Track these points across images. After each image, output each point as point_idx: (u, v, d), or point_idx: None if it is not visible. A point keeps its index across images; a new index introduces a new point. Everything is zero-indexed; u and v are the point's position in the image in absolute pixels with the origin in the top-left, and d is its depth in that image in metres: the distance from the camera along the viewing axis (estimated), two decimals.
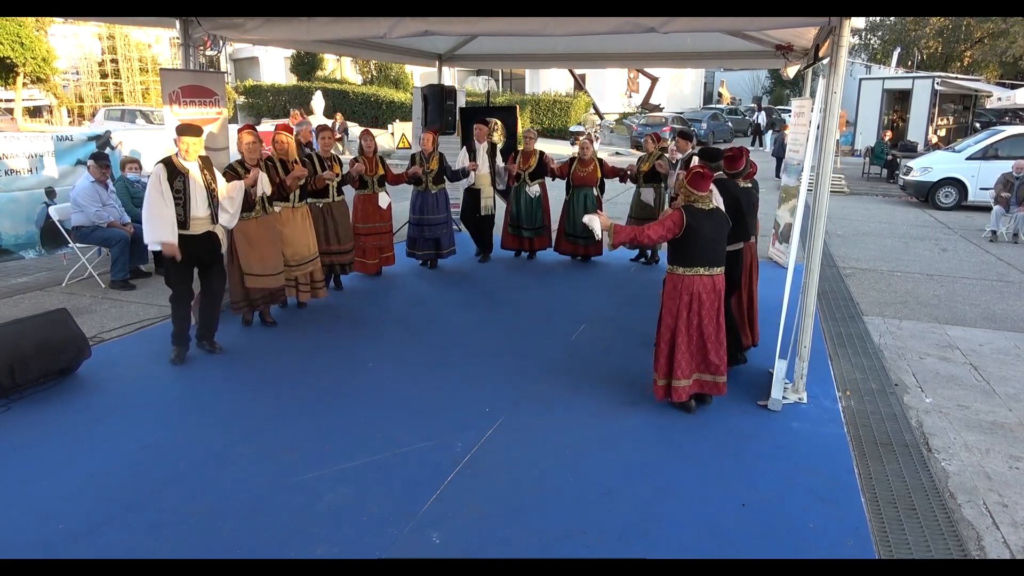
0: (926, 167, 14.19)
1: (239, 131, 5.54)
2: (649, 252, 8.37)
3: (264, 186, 5.50)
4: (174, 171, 4.76)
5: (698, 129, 27.58)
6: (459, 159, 7.93)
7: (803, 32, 5.81)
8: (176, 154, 4.81)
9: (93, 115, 23.94)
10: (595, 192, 8.01)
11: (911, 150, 17.95)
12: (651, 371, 4.47)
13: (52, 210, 7.27)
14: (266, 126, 14.22)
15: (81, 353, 4.78)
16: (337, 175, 6.55)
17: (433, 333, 5.87)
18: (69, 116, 27.69)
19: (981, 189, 13.15)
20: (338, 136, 12.90)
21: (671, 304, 4.28)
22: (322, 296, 6.47)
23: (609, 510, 3.38)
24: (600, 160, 8.04)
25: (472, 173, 7.74)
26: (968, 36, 32.75)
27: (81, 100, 28.42)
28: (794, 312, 4.72)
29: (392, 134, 20.59)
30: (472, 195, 8.12)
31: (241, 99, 31.13)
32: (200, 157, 4.91)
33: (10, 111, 24.31)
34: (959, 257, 9.43)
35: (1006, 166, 11.40)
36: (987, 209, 11.64)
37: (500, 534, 3.18)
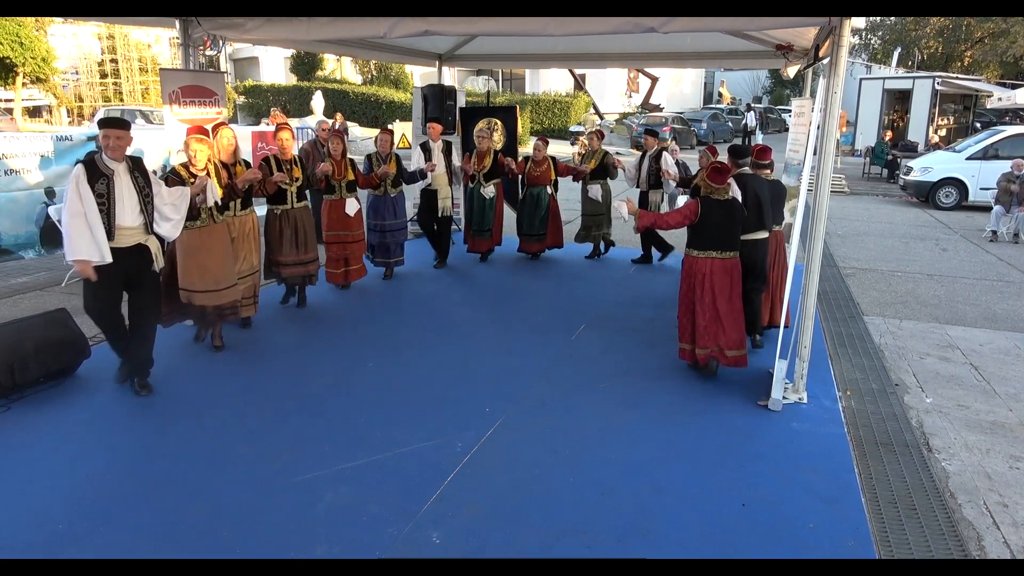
0: (926, 167, 14.19)
1: (188, 131, 5.09)
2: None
3: (213, 194, 4.89)
4: (96, 172, 4.07)
5: (698, 129, 27.62)
6: (414, 159, 7.51)
7: (803, 32, 5.81)
8: (98, 153, 4.18)
9: (93, 115, 23.95)
10: (549, 191, 8.06)
11: (911, 150, 17.95)
12: (681, 341, 4.98)
13: (52, 210, 7.26)
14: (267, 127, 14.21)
15: (81, 353, 4.77)
16: (297, 178, 5.93)
17: (433, 333, 5.87)
18: (69, 116, 27.69)
19: (981, 189, 13.15)
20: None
21: (687, 281, 4.82)
22: (251, 314, 5.72)
23: (609, 510, 3.38)
24: (554, 159, 8.14)
25: (429, 174, 7.38)
26: (968, 36, 32.74)
27: (81, 100, 28.42)
28: (794, 312, 4.72)
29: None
30: (429, 196, 7.73)
31: (241, 99, 31.12)
32: (129, 158, 4.25)
33: (10, 111, 24.31)
34: (959, 257, 9.43)
35: (1006, 166, 11.41)
36: (987, 209, 11.64)
37: (500, 534, 3.18)
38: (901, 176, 15.03)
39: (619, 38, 7.58)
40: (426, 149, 7.58)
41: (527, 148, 21.06)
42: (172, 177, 4.78)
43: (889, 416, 4.53)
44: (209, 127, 5.33)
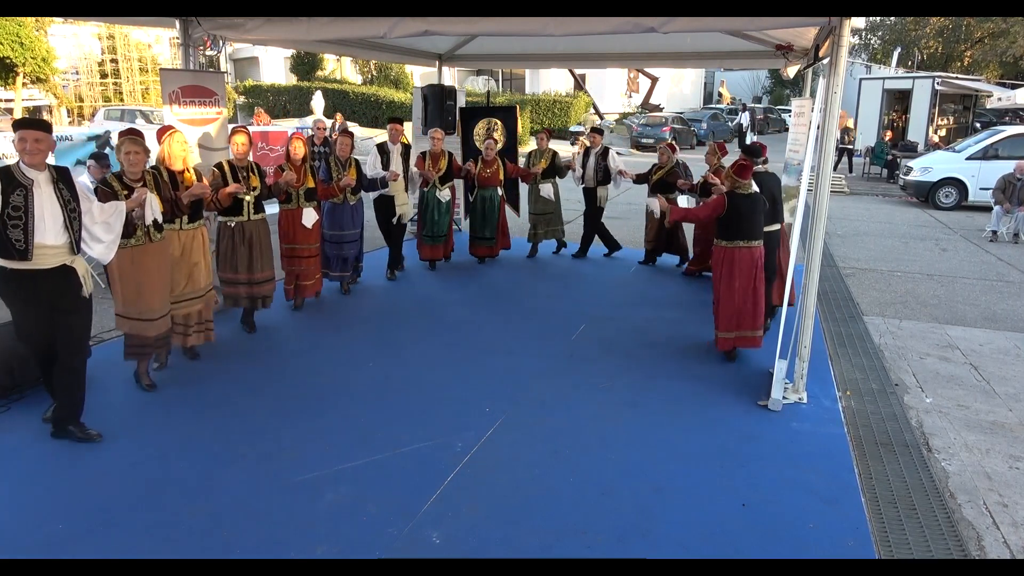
0: (926, 167, 14.19)
1: (120, 134, 4.40)
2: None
3: (153, 211, 4.27)
4: (11, 181, 3.50)
5: (698, 129, 27.63)
6: (369, 163, 6.98)
7: (803, 32, 5.81)
8: (17, 162, 3.58)
9: (93, 115, 23.93)
10: (499, 192, 8.04)
11: (911, 150, 17.95)
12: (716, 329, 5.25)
13: None
14: (271, 126, 14.19)
15: None
16: (255, 187, 5.34)
17: (433, 333, 5.87)
18: (69, 116, 27.67)
19: (981, 189, 13.14)
20: (338, 136, 12.86)
21: (718, 271, 5.14)
22: (199, 342, 5.11)
23: (609, 510, 3.38)
24: (504, 160, 8.11)
25: (391, 182, 6.93)
26: (968, 36, 32.74)
27: (81, 100, 28.40)
28: (794, 312, 4.72)
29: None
30: (386, 202, 7.25)
31: (241, 99, 31.12)
32: (52, 167, 3.66)
33: (10, 111, 24.29)
34: (959, 257, 9.43)
35: (1006, 166, 11.41)
36: (987, 209, 11.65)
37: (500, 534, 3.18)
38: (901, 176, 15.03)
39: (619, 38, 7.58)
40: (383, 152, 7.05)
41: (527, 148, 21.09)
42: (103, 189, 4.21)
43: (889, 416, 4.53)
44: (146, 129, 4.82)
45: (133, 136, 4.30)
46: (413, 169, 7.38)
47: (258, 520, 3.24)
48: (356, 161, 6.67)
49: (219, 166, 5.26)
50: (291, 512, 3.31)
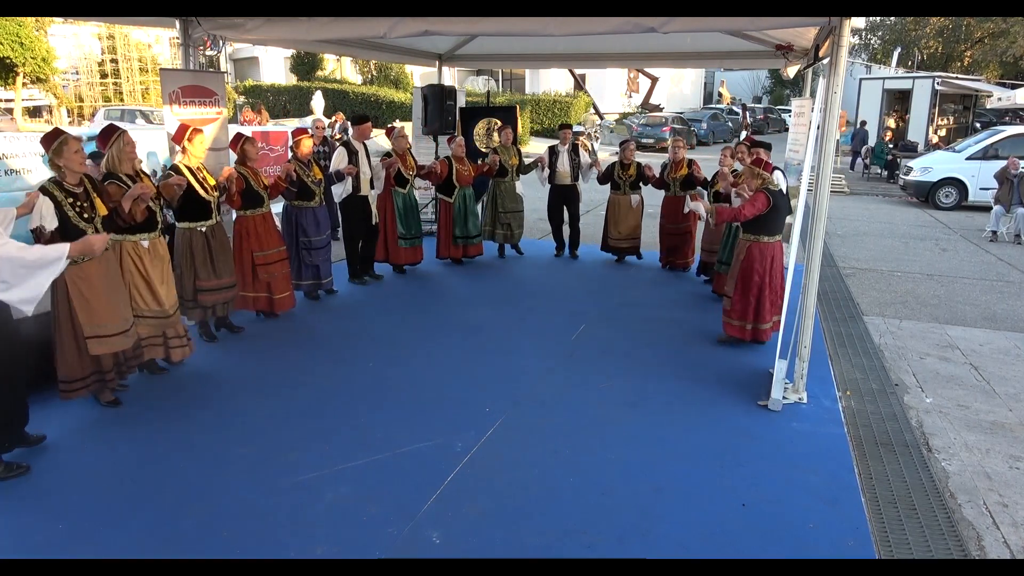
0: (926, 167, 14.19)
1: (49, 136, 3.99)
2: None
3: (50, 219, 3.86)
4: None
5: (698, 129, 27.64)
6: (334, 161, 6.70)
7: (803, 32, 5.81)
8: None
9: (93, 115, 23.92)
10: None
11: (911, 150, 17.96)
12: (740, 320, 5.40)
13: None
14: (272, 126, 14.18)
15: None
16: (217, 187, 5.21)
17: (433, 333, 5.87)
18: (69, 116, 27.66)
19: (981, 189, 13.15)
20: (338, 136, 12.88)
21: (760, 266, 5.26)
22: (189, 353, 4.88)
23: (609, 510, 3.38)
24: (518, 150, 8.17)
25: (348, 177, 6.63)
26: (968, 36, 32.74)
27: (81, 100, 28.40)
28: (794, 312, 4.72)
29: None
30: (360, 203, 6.90)
31: (241, 99, 31.13)
32: None
33: (10, 111, 24.29)
34: (959, 257, 9.43)
35: None
36: (987, 209, 11.65)
37: (500, 534, 3.18)
38: (901, 176, 15.03)
39: (619, 38, 7.58)
40: (352, 151, 6.76)
41: (527, 148, 21.08)
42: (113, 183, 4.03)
43: (889, 416, 4.53)
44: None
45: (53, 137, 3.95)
46: (375, 163, 7.00)
47: (258, 520, 3.24)
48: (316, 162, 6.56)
49: (175, 167, 4.99)
50: (291, 512, 3.31)
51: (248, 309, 5.95)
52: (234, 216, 5.76)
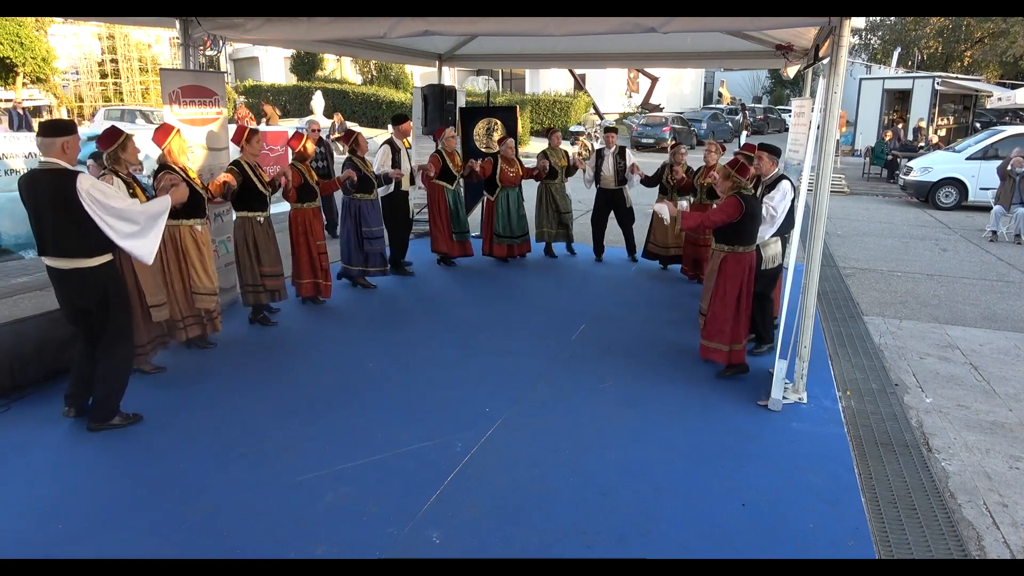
0: (926, 167, 14.19)
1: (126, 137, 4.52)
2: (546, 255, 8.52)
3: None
4: None
5: (698, 129, 27.64)
6: (378, 160, 7.13)
7: (803, 32, 5.81)
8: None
9: (93, 115, 23.94)
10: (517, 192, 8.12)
11: (911, 150, 17.97)
12: (717, 342, 4.89)
13: None
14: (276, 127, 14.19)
15: None
16: (271, 183, 5.84)
17: (434, 333, 5.87)
18: (69, 116, 27.67)
19: (981, 189, 13.15)
20: (338, 136, 12.90)
21: (736, 279, 4.76)
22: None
23: (609, 510, 3.38)
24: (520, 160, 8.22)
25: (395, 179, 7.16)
26: (968, 36, 32.75)
27: (81, 100, 28.39)
28: (794, 312, 4.72)
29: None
30: (401, 199, 7.47)
31: (241, 99, 31.12)
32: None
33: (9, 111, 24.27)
34: (959, 257, 9.43)
35: None
36: (987, 209, 11.65)
37: (500, 534, 3.18)
38: (901, 176, 15.03)
39: (619, 38, 7.58)
40: (395, 149, 7.18)
41: (527, 148, 21.07)
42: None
43: (889, 416, 4.53)
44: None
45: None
46: (385, 167, 7.22)
47: (258, 520, 3.24)
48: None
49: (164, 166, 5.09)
50: (291, 512, 3.31)
51: (300, 295, 6.44)
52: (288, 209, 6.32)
